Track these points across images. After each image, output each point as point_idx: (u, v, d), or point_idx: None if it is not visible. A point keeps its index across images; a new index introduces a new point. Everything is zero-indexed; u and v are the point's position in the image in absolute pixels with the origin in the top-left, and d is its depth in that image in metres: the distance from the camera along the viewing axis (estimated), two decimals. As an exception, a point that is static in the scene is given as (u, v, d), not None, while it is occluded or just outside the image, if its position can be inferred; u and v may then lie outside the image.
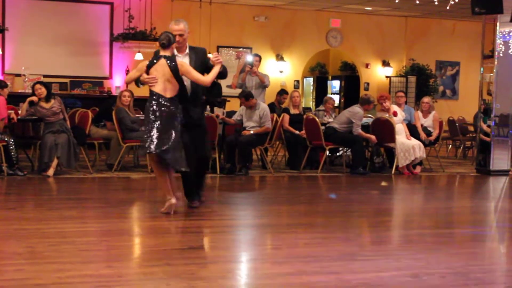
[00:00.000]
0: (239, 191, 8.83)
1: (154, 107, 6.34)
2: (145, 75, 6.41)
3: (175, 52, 6.60)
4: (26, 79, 13.13)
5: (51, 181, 8.69)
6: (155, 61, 6.41)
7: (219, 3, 15.45)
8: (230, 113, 10.76)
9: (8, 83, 10.73)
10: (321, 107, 11.55)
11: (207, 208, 6.84)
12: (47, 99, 9.12)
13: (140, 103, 9.95)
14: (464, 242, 5.99)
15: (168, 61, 6.37)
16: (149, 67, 6.41)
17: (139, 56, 13.91)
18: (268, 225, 6.39)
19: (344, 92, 18.13)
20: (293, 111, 10.89)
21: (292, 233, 5.99)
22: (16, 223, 5.95)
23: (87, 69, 14.54)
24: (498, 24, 10.89)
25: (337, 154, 11.36)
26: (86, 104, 12.20)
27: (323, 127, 10.29)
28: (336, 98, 17.90)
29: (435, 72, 17.71)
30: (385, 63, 17.54)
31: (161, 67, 6.37)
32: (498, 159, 10.88)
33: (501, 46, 10.85)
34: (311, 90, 19.31)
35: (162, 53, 6.45)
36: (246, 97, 9.86)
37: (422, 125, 11.00)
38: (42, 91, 9.09)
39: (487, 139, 11.01)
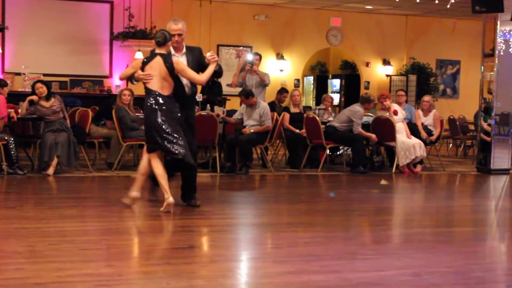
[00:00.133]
0: (239, 190, 8.83)
1: (154, 106, 6.35)
2: (140, 72, 6.43)
3: (172, 51, 6.62)
4: (26, 78, 13.13)
5: (51, 180, 8.68)
6: (150, 58, 6.43)
7: (219, 1, 15.44)
8: (230, 112, 10.75)
9: (8, 82, 10.73)
10: (322, 106, 11.56)
11: (207, 207, 6.84)
12: (47, 97, 9.11)
13: (140, 102, 9.91)
14: (464, 241, 5.98)
15: (164, 59, 6.38)
16: (144, 64, 6.43)
17: (139, 55, 13.90)
18: (268, 224, 6.38)
19: (344, 91, 18.12)
20: (293, 109, 10.88)
21: (292, 232, 5.99)
22: (16, 222, 5.95)
23: (87, 68, 14.54)
24: (498, 22, 10.89)
25: (338, 153, 11.36)
26: (86, 103, 12.19)
27: (323, 126, 10.28)
28: (337, 97, 17.91)
29: (435, 71, 17.71)
30: (386, 62, 17.54)
31: (157, 65, 6.39)
32: (499, 158, 10.87)
33: (501, 44, 10.84)
34: (312, 89, 19.30)
35: (157, 51, 6.47)
36: (246, 95, 9.85)
37: (422, 124, 10.99)
38: (43, 90, 9.09)
39: (488, 138, 11.00)
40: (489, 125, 11.07)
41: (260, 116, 9.79)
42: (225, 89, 13.28)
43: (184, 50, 6.70)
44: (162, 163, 6.47)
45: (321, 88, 18.80)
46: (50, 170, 8.85)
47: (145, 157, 6.60)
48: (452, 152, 14.03)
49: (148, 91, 6.44)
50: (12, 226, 5.76)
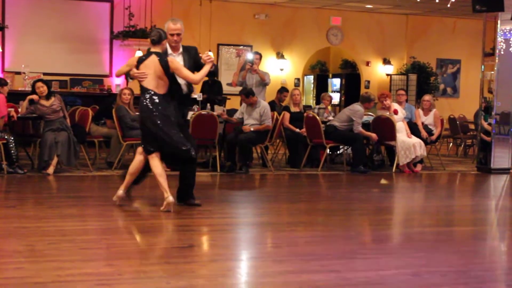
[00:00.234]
0: (239, 189, 8.82)
1: (150, 106, 6.36)
2: (135, 70, 6.46)
3: (169, 50, 6.64)
4: (26, 77, 13.12)
5: (51, 179, 8.68)
6: (145, 57, 6.44)
7: (219, 0, 15.45)
8: (230, 111, 10.74)
9: (8, 81, 10.72)
10: (322, 105, 11.55)
11: (207, 206, 6.83)
12: (47, 97, 9.11)
13: (140, 101, 9.93)
14: (464, 240, 5.98)
15: (159, 58, 6.39)
16: (139, 62, 6.44)
17: (139, 54, 13.88)
18: (268, 223, 6.38)
19: (344, 90, 18.11)
20: (293, 109, 10.88)
21: (292, 231, 5.99)
22: (16, 221, 5.95)
23: (87, 67, 14.53)
24: (499, 22, 10.88)
25: (338, 152, 11.36)
26: (86, 102, 12.20)
27: (323, 125, 10.28)
28: (337, 96, 17.91)
29: (435, 70, 17.70)
30: (386, 61, 17.53)
31: (152, 63, 6.41)
32: (499, 157, 10.87)
33: (502, 44, 10.83)
34: (312, 88, 19.29)
35: (152, 49, 6.48)
36: (246, 94, 9.85)
37: (422, 123, 10.98)
38: (44, 89, 9.08)
39: (488, 138, 10.99)
40: (490, 124, 11.06)
41: (261, 116, 9.78)
42: (225, 88, 13.28)
43: (181, 49, 6.73)
44: (160, 163, 6.48)
45: (321, 87, 18.79)
46: (50, 169, 8.84)
47: (137, 157, 6.61)
48: (452, 152, 14.02)
49: (143, 90, 6.47)
50: (12, 225, 5.76)
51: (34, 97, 9.08)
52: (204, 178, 9.21)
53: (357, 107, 10.33)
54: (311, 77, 19.27)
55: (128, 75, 6.65)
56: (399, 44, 17.64)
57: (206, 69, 6.56)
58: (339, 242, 5.55)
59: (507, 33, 10.81)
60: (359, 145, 10.24)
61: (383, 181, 9.73)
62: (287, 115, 10.57)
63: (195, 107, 10.48)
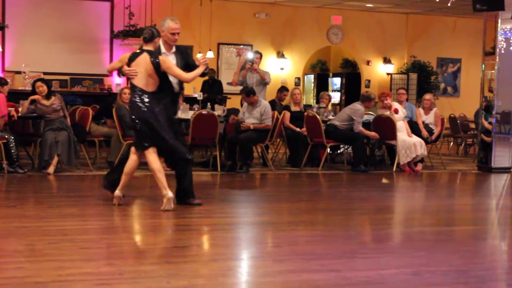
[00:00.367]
0: (239, 189, 8.82)
1: (140, 104, 6.35)
2: (126, 67, 6.46)
3: (163, 49, 6.65)
4: (26, 76, 13.12)
5: (51, 178, 8.68)
6: (137, 55, 6.43)
7: (219, 0, 15.43)
8: (230, 111, 10.75)
9: (8, 80, 10.72)
10: (322, 104, 11.55)
11: (208, 205, 6.83)
12: (48, 96, 9.10)
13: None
14: (465, 239, 5.97)
15: (151, 56, 6.39)
16: (130, 60, 6.44)
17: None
18: (268, 222, 6.38)
19: (345, 89, 18.12)
20: (294, 108, 10.87)
21: (292, 230, 5.98)
22: (16, 221, 5.94)
23: (87, 67, 14.53)
24: (499, 21, 10.87)
25: (338, 151, 11.35)
26: (86, 101, 12.20)
27: (324, 125, 10.28)
28: (337, 95, 17.91)
29: (436, 69, 17.70)
30: (386, 60, 17.53)
31: (143, 61, 6.41)
32: (500, 157, 10.86)
33: (502, 43, 10.82)
34: (312, 87, 19.29)
35: (144, 47, 6.49)
36: (247, 93, 9.84)
37: (423, 122, 10.97)
38: (44, 89, 9.07)
39: (488, 139, 10.98)
40: (490, 123, 11.06)
41: (261, 115, 9.77)
42: (226, 88, 13.30)
43: (174, 49, 6.76)
44: (159, 161, 6.49)
45: (321, 86, 18.80)
46: (51, 169, 8.84)
47: (131, 157, 6.60)
48: (453, 151, 14.02)
49: (133, 88, 6.50)
50: (12, 225, 5.76)
51: (36, 97, 9.07)
52: (205, 177, 9.21)
53: (357, 106, 10.33)
54: (312, 76, 19.27)
55: (120, 71, 6.67)
56: (400, 43, 17.63)
57: (199, 70, 6.58)
58: (339, 241, 5.55)
59: (507, 32, 10.81)
60: (359, 145, 10.24)
61: (383, 181, 9.72)
62: (287, 115, 10.56)
63: (196, 106, 10.48)
